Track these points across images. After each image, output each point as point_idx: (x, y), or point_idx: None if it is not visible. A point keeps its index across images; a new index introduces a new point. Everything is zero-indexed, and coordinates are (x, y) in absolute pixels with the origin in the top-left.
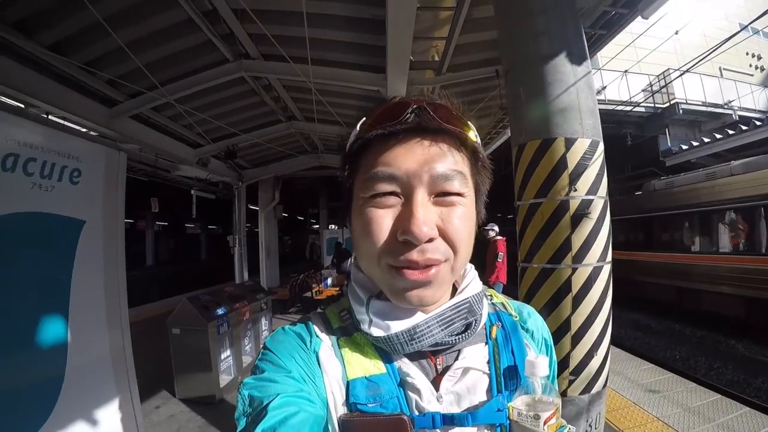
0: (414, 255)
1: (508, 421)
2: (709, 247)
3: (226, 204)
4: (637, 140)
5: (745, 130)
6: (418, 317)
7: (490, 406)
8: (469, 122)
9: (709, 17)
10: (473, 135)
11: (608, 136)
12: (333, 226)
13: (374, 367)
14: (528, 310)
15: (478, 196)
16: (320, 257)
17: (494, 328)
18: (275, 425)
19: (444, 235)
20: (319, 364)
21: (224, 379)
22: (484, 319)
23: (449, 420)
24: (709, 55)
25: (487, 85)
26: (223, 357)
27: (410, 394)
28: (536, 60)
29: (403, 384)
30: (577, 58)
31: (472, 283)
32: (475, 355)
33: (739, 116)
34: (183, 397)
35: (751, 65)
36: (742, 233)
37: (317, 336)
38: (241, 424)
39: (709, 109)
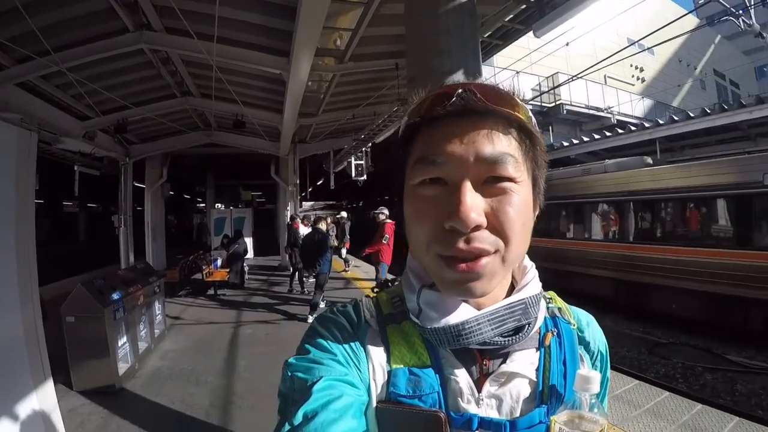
0: (460, 244)
1: None
2: (582, 234)
3: (110, 180)
4: None
5: (621, 134)
6: (469, 312)
7: (531, 417)
8: (521, 102)
9: (601, 32)
10: (525, 116)
11: None
12: (220, 206)
13: (418, 359)
14: (587, 319)
15: (534, 181)
16: (208, 238)
17: (549, 335)
18: (318, 408)
19: (493, 224)
20: (365, 348)
21: (122, 367)
22: (539, 323)
23: (487, 424)
24: (597, 64)
25: (387, 75)
26: (120, 344)
27: (451, 391)
28: (437, 74)
29: (445, 380)
30: (472, 76)
31: (532, 283)
32: (524, 361)
33: (617, 120)
34: (81, 389)
35: (633, 76)
36: (611, 223)
37: (366, 320)
38: (284, 403)
39: (591, 111)
